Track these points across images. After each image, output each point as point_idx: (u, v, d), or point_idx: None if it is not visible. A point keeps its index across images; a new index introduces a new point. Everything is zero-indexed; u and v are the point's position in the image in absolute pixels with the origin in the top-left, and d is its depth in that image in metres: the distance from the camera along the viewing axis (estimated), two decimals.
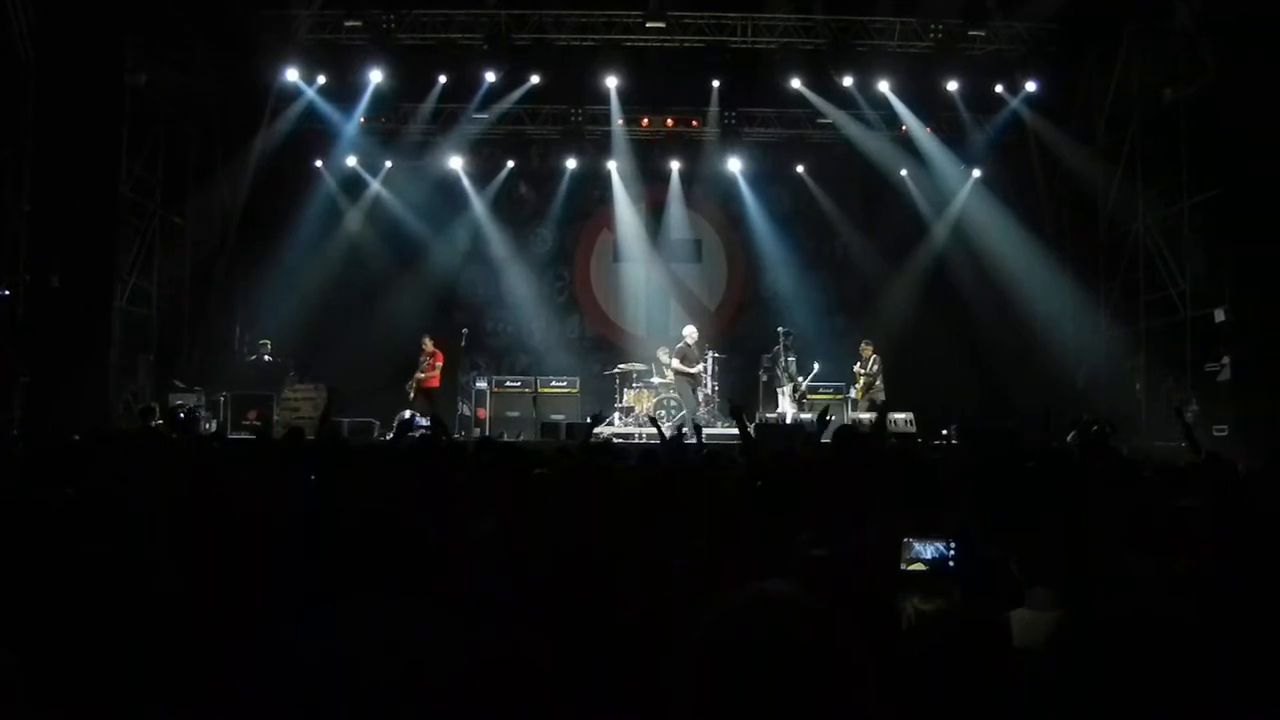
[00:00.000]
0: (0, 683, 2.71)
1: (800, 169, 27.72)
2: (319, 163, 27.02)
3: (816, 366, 23.74)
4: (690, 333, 23.63)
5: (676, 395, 23.85)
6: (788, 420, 22.67)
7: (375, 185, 27.58)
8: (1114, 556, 4.80)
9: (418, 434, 12.87)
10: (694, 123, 27.58)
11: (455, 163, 27.50)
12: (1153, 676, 2.12)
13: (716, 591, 2.38)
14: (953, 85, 25.27)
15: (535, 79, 25.70)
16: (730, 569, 4.21)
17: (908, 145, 26.99)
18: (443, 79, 25.66)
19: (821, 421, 11.37)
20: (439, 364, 23.61)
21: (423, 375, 23.38)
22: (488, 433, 22.56)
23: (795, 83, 25.69)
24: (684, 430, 18.64)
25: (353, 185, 27.47)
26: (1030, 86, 25.06)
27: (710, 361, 24.46)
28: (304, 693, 2.79)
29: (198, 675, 2.97)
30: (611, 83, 25.66)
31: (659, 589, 3.80)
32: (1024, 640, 3.54)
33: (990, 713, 3.04)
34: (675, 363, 23.27)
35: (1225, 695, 2.16)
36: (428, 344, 23.84)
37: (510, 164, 27.67)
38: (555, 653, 2.78)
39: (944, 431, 22.09)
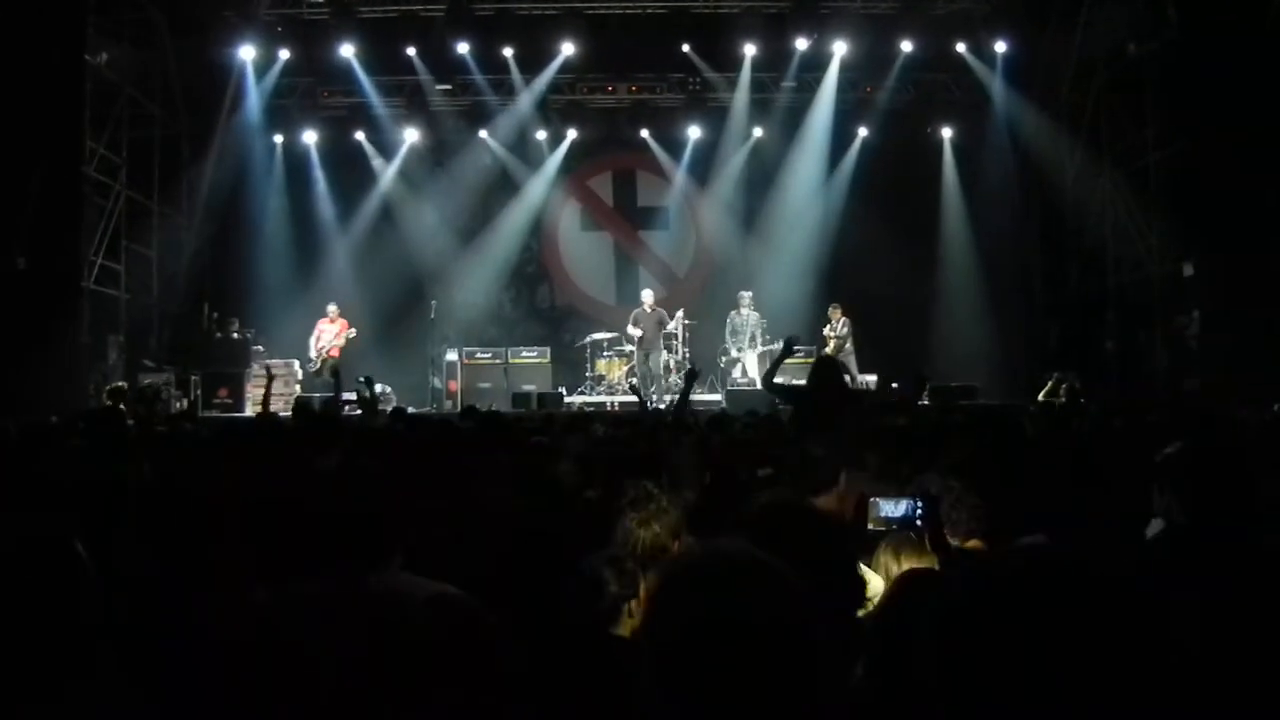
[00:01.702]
0: None
1: (760, 132, 27.61)
2: (280, 138, 26.90)
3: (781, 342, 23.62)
4: (643, 295, 23.79)
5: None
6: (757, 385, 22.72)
7: (341, 159, 27.42)
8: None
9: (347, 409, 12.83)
10: (658, 89, 27.50)
11: (421, 135, 27.37)
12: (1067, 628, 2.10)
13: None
14: (915, 46, 25.25)
15: (509, 52, 25.65)
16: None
17: (868, 108, 26.99)
18: (411, 51, 25.55)
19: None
20: (344, 332, 23.35)
21: (339, 343, 23.19)
22: (459, 405, 22.54)
23: (750, 50, 25.72)
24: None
25: (318, 160, 27.31)
26: (995, 46, 25.09)
27: (681, 327, 24.33)
28: (254, 676, 2.79)
29: (150, 658, 2.96)
30: (567, 49, 25.55)
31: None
32: None
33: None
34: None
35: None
36: (332, 310, 23.71)
37: (478, 134, 27.49)
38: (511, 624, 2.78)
39: (894, 385, 22.11)
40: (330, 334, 23.24)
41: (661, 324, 23.21)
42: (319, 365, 22.91)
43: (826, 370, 10.85)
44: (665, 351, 24.17)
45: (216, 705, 2.80)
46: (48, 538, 2.88)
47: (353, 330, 23.14)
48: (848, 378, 22.31)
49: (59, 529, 2.94)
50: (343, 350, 22.93)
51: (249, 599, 2.94)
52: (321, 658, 2.72)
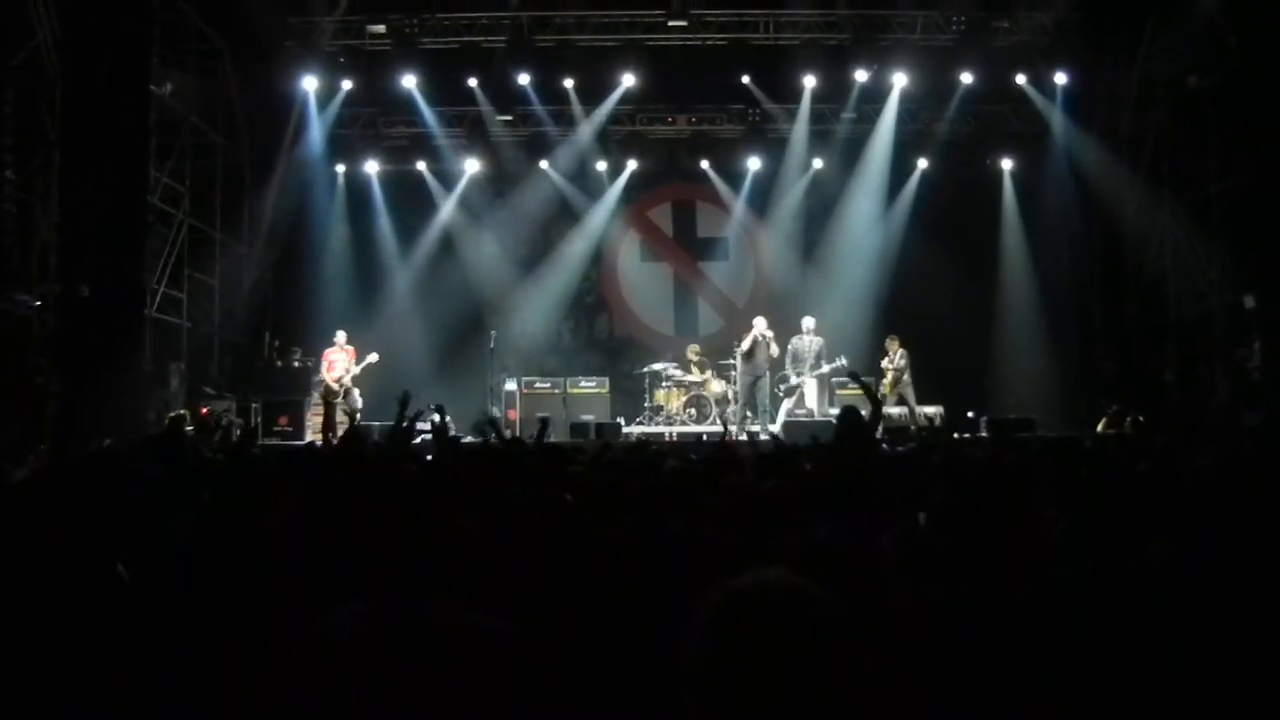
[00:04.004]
0: None
1: (820, 163, 27.62)
2: (342, 168, 27.13)
3: (840, 360, 23.39)
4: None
5: (709, 394, 24.11)
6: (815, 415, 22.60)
7: (402, 189, 27.63)
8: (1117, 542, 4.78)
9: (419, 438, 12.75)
10: (717, 120, 27.60)
11: (482, 165, 27.53)
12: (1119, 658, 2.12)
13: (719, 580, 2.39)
14: (975, 78, 25.23)
15: (569, 83, 25.84)
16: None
17: (927, 139, 26.99)
18: (473, 82, 25.75)
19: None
20: (353, 359, 23.08)
21: (356, 371, 23.01)
22: (518, 433, 22.62)
23: (810, 81, 25.77)
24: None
25: (379, 189, 27.50)
26: (1055, 77, 25.05)
27: (738, 357, 24.28)
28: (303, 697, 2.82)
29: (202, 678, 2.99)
30: (628, 80, 25.69)
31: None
32: None
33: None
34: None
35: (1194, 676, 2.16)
36: (340, 338, 23.47)
37: (539, 165, 27.63)
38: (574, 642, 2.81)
39: (969, 415, 22.03)
40: (343, 363, 23.12)
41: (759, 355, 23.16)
42: (340, 396, 22.83)
43: (851, 420, 10.67)
44: (722, 381, 24.32)
45: None
46: (90, 558, 2.92)
47: (374, 355, 23.06)
48: (905, 410, 22.30)
49: (102, 551, 2.98)
50: (356, 379, 22.94)
51: (293, 623, 2.98)
52: (361, 683, 2.76)
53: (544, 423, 12.95)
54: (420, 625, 3.13)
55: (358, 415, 21.71)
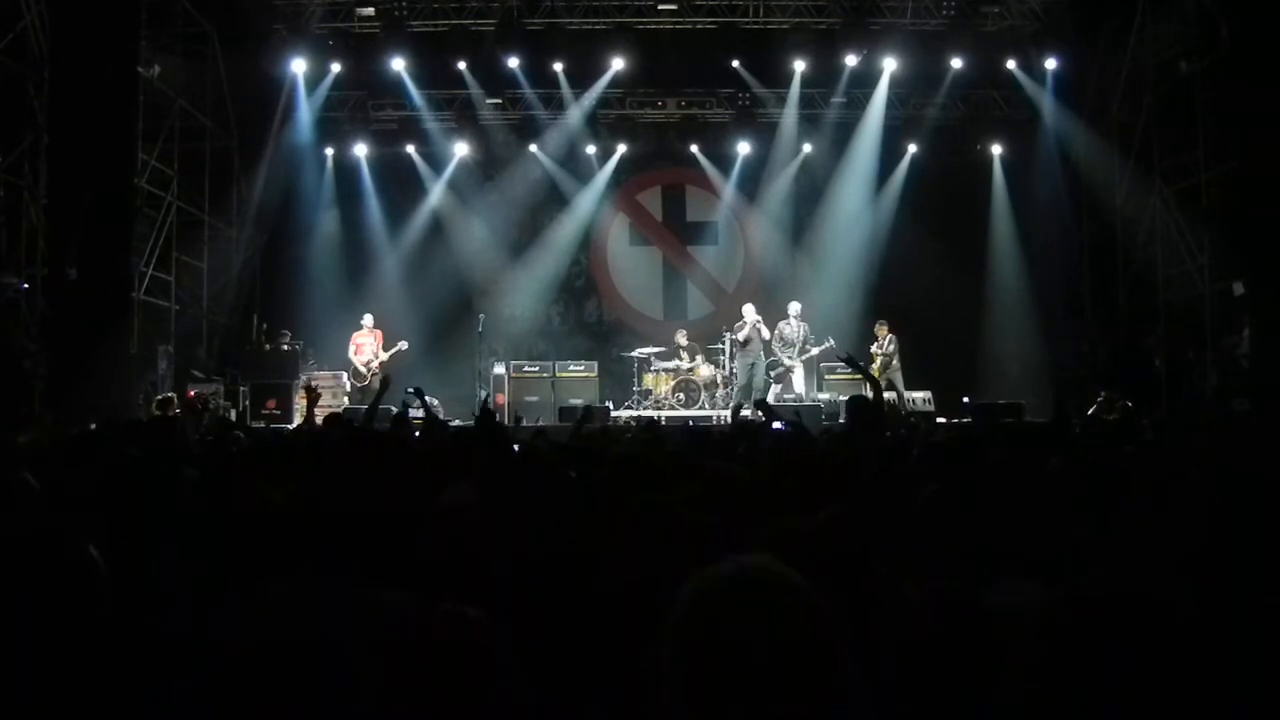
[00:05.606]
0: None
1: (809, 148, 27.60)
2: (331, 151, 27.10)
3: (829, 342, 23.41)
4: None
5: (698, 379, 24.12)
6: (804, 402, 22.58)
7: (391, 172, 27.59)
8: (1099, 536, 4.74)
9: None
10: (707, 104, 27.56)
11: (471, 148, 27.49)
12: (1144, 657, 2.11)
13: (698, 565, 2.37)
14: (965, 63, 25.22)
15: (559, 66, 25.83)
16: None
17: (917, 124, 26.97)
18: (462, 65, 25.68)
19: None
20: (381, 343, 23.44)
21: (385, 357, 23.27)
22: (507, 418, 22.64)
23: (800, 66, 25.78)
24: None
25: (368, 172, 27.44)
26: (1045, 62, 25.05)
27: (726, 341, 24.33)
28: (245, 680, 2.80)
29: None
30: (617, 63, 25.70)
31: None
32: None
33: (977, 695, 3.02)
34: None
35: (1221, 677, 2.15)
36: (368, 322, 23.83)
37: (528, 148, 27.60)
38: (501, 627, 2.79)
39: (965, 400, 22.04)
40: (371, 347, 23.34)
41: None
42: (368, 380, 22.93)
43: (860, 406, 10.66)
44: (711, 366, 24.35)
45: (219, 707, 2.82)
46: (58, 540, 2.90)
47: (404, 343, 23.20)
48: (894, 395, 22.30)
49: (73, 532, 2.96)
50: (384, 365, 22.97)
51: (259, 602, 2.96)
52: (324, 663, 2.74)
53: (586, 411, 12.61)
54: (345, 607, 3.10)
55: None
